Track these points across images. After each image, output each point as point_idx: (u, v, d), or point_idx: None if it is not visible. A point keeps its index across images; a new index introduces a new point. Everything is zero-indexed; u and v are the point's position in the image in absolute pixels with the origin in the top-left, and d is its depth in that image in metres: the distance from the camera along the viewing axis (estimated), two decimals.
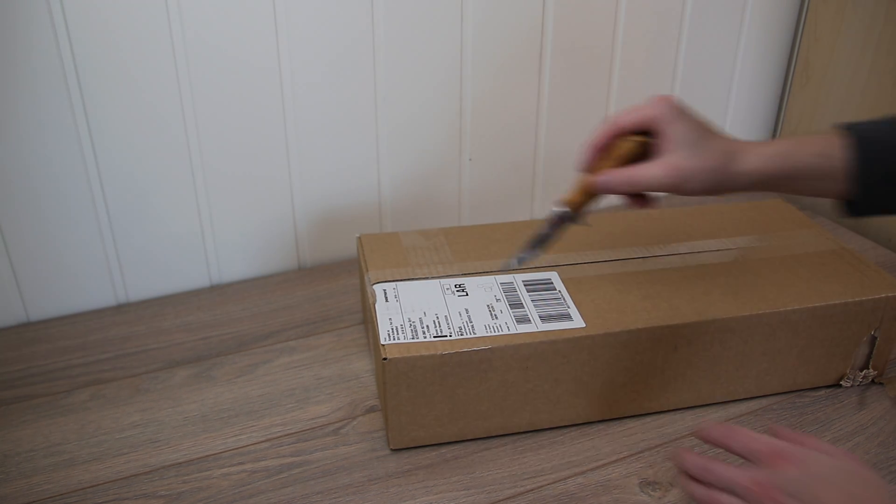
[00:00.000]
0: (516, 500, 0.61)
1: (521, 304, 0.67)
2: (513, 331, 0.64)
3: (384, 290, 0.69)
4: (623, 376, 0.67)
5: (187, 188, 0.85)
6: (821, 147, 0.58)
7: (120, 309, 0.86)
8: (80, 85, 0.75)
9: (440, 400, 0.64)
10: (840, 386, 0.73)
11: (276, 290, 0.89)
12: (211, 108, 0.82)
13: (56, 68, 0.74)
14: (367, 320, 0.75)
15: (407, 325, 0.64)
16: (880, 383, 0.73)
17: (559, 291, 0.69)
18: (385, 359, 0.61)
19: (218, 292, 0.89)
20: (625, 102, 1.04)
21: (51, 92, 0.74)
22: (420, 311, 0.66)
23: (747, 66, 1.11)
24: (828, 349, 0.71)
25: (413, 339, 0.63)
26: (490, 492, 0.62)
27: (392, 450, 0.66)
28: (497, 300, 0.68)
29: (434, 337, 0.63)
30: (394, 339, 0.63)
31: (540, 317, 0.66)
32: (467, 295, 0.69)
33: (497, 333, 0.64)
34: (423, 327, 0.64)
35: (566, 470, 0.64)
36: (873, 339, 0.71)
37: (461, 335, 0.63)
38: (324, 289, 0.89)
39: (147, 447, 0.66)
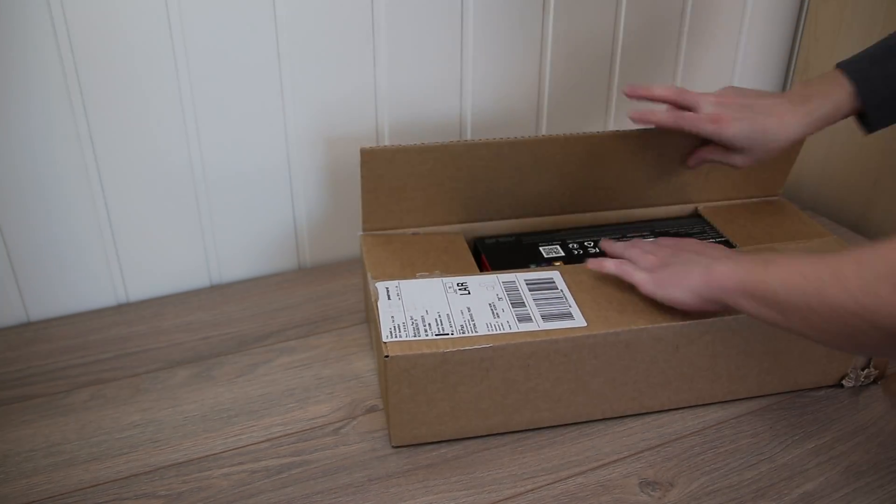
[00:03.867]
0: (516, 500, 0.61)
1: (523, 302, 0.67)
2: (514, 329, 0.64)
3: (386, 287, 0.69)
4: (624, 375, 0.67)
5: (187, 188, 0.85)
6: (837, 105, 0.72)
7: (120, 309, 0.86)
8: (81, 85, 0.75)
9: (442, 398, 0.64)
10: (842, 386, 0.73)
11: (277, 290, 0.89)
12: (211, 108, 0.82)
13: (56, 68, 0.74)
14: (370, 318, 0.74)
15: (409, 322, 0.64)
16: (877, 381, 0.73)
17: (561, 290, 0.69)
18: (387, 356, 0.61)
19: (218, 292, 0.89)
20: (624, 103, 1.04)
21: (51, 92, 0.74)
22: (422, 310, 0.66)
23: (748, 67, 1.11)
24: (830, 350, 0.71)
25: (415, 336, 0.63)
26: (490, 491, 0.62)
27: (393, 447, 0.66)
28: (499, 299, 0.68)
29: (436, 335, 0.63)
30: (396, 337, 0.63)
31: (542, 315, 0.66)
32: (469, 293, 0.68)
33: (499, 332, 0.64)
34: (425, 325, 0.64)
35: (566, 470, 0.64)
36: None
37: (463, 333, 0.63)
38: (324, 289, 0.89)
39: (147, 447, 0.66)
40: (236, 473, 0.64)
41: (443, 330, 0.64)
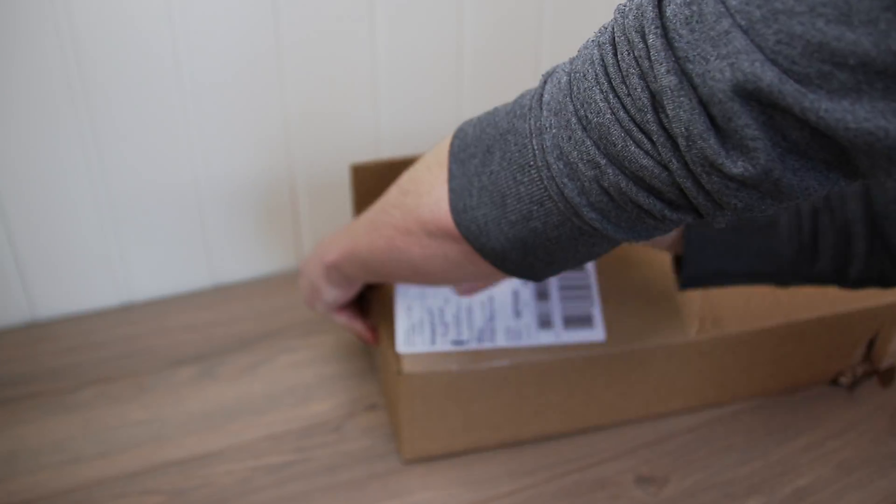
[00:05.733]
0: (513, 497, 0.62)
1: (547, 294, 0.65)
2: (532, 340, 0.63)
3: None
4: (635, 388, 0.67)
5: (189, 188, 0.86)
6: None
7: (124, 309, 0.87)
8: (84, 84, 0.76)
9: (455, 413, 0.63)
10: (839, 384, 0.74)
11: (279, 290, 0.90)
12: (211, 106, 0.83)
13: (60, 71, 0.75)
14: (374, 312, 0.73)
15: (426, 321, 0.62)
16: (870, 376, 0.74)
17: (588, 274, 0.66)
18: (401, 373, 0.60)
19: (221, 292, 0.90)
20: None
21: (54, 90, 0.75)
22: (441, 300, 0.63)
23: None
24: (830, 352, 0.71)
25: (431, 344, 0.61)
26: (488, 488, 0.63)
27: (406, 462, 0.65)
28: (524, 285, 0.65)
29: (452, 342, 0.61)
30: (411, 346, 0.61)
31: (563, 318, 0.64)
32: None
33: (517, 344, 0.62)
34: (443, 324, 0.62)
35: (562, 466, 0.65)
36: (871, 340, 0.72)
37: (480, 341, 0.62)
38: None
39: (151, 444, 0.67)
40: (238, 470, 0.65)
41: (460, 335, 0.62)
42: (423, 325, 0.63)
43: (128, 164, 0.82)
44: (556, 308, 0.65)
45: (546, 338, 0.63)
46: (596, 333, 0.64)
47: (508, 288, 0.65)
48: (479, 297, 0.64)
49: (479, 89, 0.95)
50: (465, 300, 0.64)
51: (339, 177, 0.92)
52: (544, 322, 0.64)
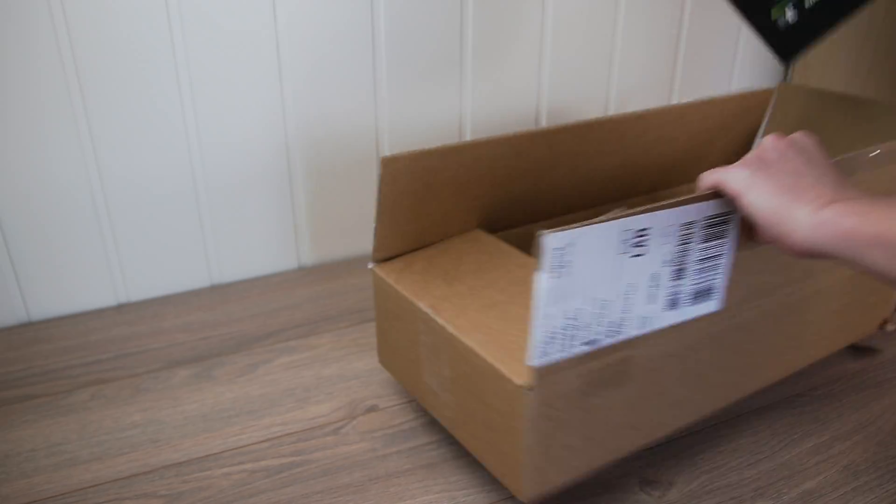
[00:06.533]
0: (514, 499, 0.62)
1: (684, 267, 0.54)
2: (657, 325, 0.54)
3: (555, 249, 0.47)
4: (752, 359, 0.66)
5: (187, 188, 0.85)
6: None
7: (121, 309, 0.86)
8: (81, 85, 0.76)
9: (576, 427, 0.55)
10: (885, 329, 0.75)
11: (276, 290, 0.90)
12: (211, 108, 0.82)
13: (57, 69, 0.74)
14: (389, 315, 0.66)
15: (564, 327, 0.50)
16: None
17: (728, 241, 0.56)
18: (531, 389, 0.50)
19: (218, 292, 0.90)
20: (621, 104, 1.05)
21: (52, 92, 0.75)
22: (590, 293, 0.50)
23: (746, 67, 1.11)
24: (865, 305, 0.71)
25: (561, 352, 0.50)
26: (489, 491, 0.62)
27: None
28: (664, 264, 0.53)
29: (583, 343, 0.51)
30: (544, 357, 0.50)
31: (693, 292, 0.55)
32: (647, 250, 0.52)
33: (646, 330, 0.54)
34: (581, 326, 0.51)
35: None
36: None
37: (610, 338, 0.53)
38: (324, 289, 0.90)
39: (147, 447, 0.67)
40: (236, 473, 0.64)
41: (592, 336, 0.51)
42: (556, 335, 0.50)
43: (125, 164, 0.81)
44: (688, 280, 0.55)
45: (668, 320, 0.55)
46: (713, 305, 0.57)
47: (656, 262, 0.53)
48: (625, 278, 0.52)
49: (482, 86, 0.94)
50: (611, 290, 0.52)
51: (338, 176, 0.92)
52: (672, 301, 0.55)
